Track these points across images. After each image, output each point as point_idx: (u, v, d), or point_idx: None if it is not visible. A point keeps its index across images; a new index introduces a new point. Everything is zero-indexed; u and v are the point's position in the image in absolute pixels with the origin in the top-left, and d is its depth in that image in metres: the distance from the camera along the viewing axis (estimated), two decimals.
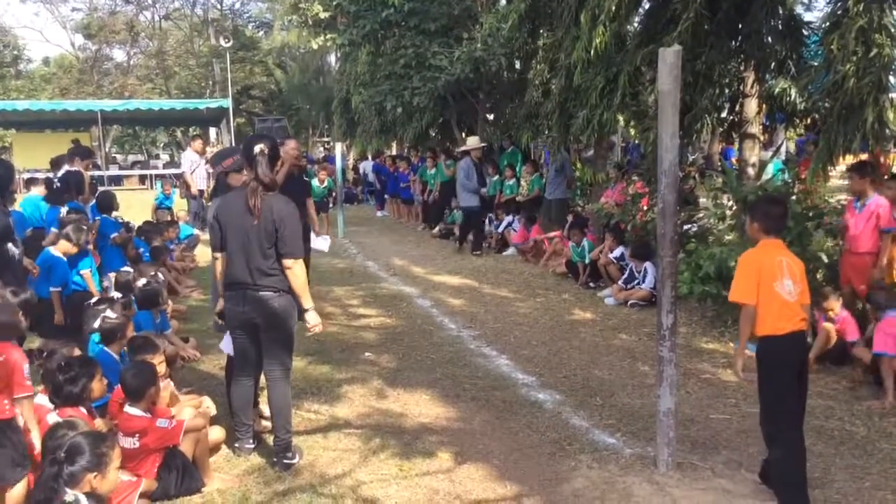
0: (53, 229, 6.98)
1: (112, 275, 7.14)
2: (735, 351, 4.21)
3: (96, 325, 5.26)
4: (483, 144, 13.19)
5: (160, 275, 7.69)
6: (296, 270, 4.40)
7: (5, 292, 4.64)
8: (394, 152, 23.60)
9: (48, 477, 3.12)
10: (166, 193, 14.72)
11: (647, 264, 8.75)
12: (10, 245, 6.13)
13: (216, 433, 4.72)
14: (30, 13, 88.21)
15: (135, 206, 15.39)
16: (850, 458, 4.58)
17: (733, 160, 11.92)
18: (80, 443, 3.18)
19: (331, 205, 16.85)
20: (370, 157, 24.94)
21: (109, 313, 5.28)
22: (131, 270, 7.11)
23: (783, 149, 12.49)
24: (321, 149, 36.94)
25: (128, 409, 4.17)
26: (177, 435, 4.14)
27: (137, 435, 4.05)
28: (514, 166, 14.27)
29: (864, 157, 7.86)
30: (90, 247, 6.97)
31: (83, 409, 4.15)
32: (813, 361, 6.01)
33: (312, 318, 4.55)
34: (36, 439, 3.75)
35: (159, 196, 14.77)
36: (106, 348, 5.18)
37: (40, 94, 39.92)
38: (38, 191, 8.24)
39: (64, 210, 7.17)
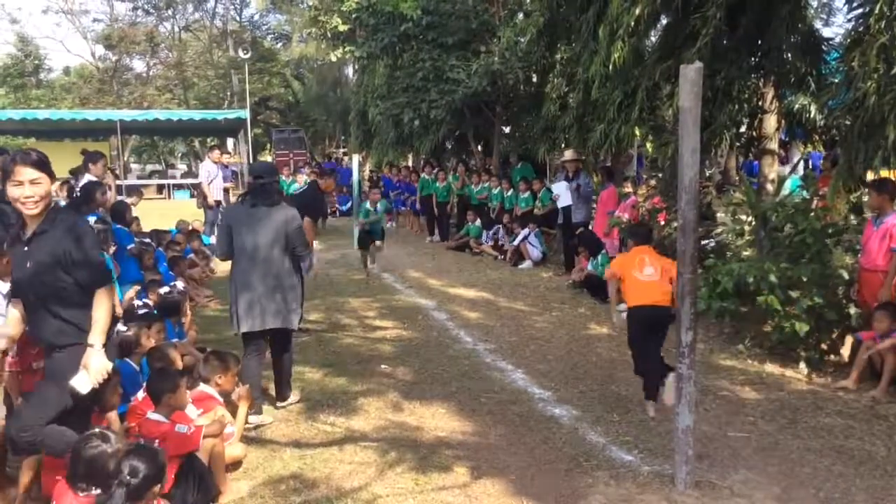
0: None
1: (136, 286, 7.22)
2: (612, 310, 6.67)
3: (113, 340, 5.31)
4: (574, 157, 12.41)
5: (179, 284, 7.74)
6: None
7: None
8: (410, 163, 23.71)
9: (119, 498, 3.19)
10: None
11: None
12: None
13: (237, 450, 4.75)
14: (51, 24, 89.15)
15: (152, 215, 15.48)
16: (871, 479, 4.53)
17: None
18: (140, 460, 3.28)
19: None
20: (384, 169, 25.05)
21: (121, 327, 5.32)
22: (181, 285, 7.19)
23: (800, 165, 12.44)
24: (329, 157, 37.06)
25: (150, 414, 4.22)
26: (196, 440, 4.16)
27: (157, 441, 4.08)
28: (528, 180, 14.29)
29: (884, 173, 7.82)
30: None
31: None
32: (885, 389, 5.94)
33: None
34: None
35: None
36: (126, 359, 5.21)
37: (60, 104, 40.27)
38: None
39: (92, 220, 7.19)
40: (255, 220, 5.55)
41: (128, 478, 3.20)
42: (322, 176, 9.27)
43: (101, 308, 3.70)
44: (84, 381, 3.61)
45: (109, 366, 3.74)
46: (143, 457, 3.31)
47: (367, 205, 12.16)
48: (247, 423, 5.25)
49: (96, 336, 3.67)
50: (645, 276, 5.75)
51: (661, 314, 5.69)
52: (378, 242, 11.91)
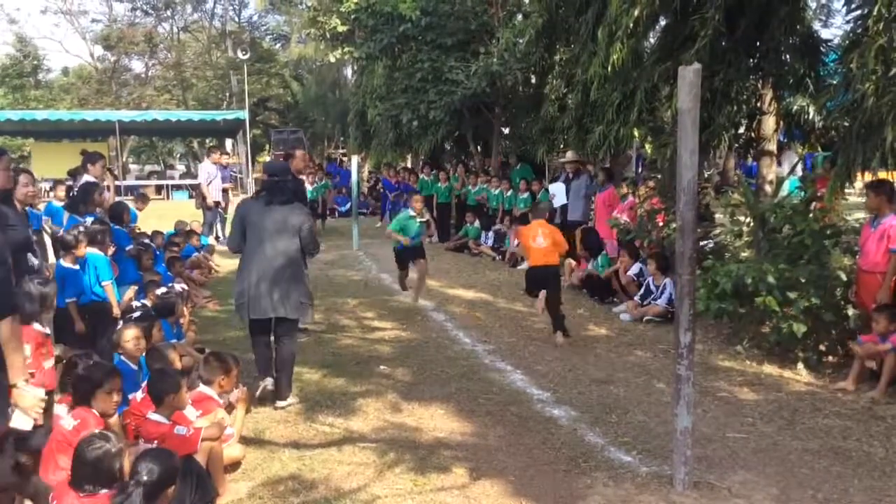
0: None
1: (134, 286, 7.22)
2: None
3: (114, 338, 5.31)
4: (574, 159, 12.49)
5: (175, 286, 7.74)
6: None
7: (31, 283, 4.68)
8: (409, 164, 23.71)
9: (137, 497, 3.21)
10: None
11: (668, 280, 8.70)
12: (29, 255, 6.19)
13: (235, 451, 4.75)
14: (50, 24, 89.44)
15: (151, 216, 15.46)
16: (869, 480, 4.53)
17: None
18: (155, 461, 3.32)
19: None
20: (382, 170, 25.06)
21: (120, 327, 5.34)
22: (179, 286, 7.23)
23: (798, 167, 12.44)
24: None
25: (151, 415, 4.23)
26: (195, 443, 4.16)
27: (156, 441, 4.08)
28: (527, 180, 14.30)
29: (882, 174, 7.83)
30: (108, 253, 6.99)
31: (95, 412, 4.19)
32: (884, 390, 5.93)
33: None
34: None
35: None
36: (123, 359, 5.21)
37: (59, 104, 40.29)
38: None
39: (90, 221, 7.18)
40: (269, 217, 5.77)
41: (144, 478, 3.23)
42: (288, 158, 8.15)
43: (12, 347, 3.27)
44: (24, 420, 3.51)
45: (41, 392, 3.49)
46: (158, 458, 3.35)
47: (411, 212, 9.54)
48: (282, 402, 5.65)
49: (18, 377, 3.33)
50: (537, 244, 7.83)
51: (550, 271, 7.89)
52: (421, 261, 9.47)
